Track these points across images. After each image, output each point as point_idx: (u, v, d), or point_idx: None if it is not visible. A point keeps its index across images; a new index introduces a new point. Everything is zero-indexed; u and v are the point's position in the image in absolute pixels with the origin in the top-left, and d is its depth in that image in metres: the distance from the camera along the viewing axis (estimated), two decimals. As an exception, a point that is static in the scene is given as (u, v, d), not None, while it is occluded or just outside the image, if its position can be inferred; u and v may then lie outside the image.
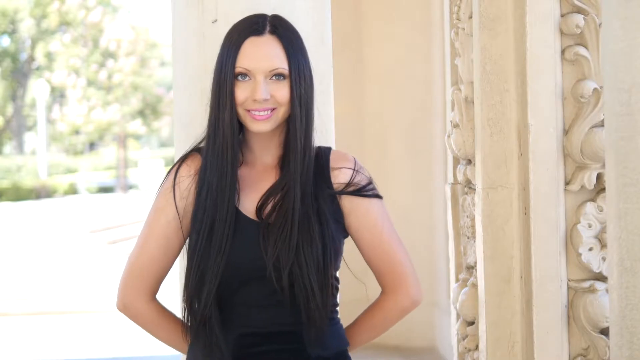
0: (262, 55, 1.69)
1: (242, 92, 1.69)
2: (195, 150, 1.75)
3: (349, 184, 1.72)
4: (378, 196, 1.73)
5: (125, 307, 1.72)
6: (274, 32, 1.70)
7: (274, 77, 1.69)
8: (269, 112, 1.68)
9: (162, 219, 1.70)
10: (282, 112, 1.70)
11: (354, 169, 1.73)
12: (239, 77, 1.69)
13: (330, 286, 1.65)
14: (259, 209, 1.67)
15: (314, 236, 1.64)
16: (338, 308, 1.79)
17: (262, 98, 1.66)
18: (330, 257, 1.64)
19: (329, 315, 1.67)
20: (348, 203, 1.71)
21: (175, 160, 1.87)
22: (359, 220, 1.72)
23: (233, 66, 1.69)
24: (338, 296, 1.78)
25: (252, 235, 1.65)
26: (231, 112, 1.68)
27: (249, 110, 1.68)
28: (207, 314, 1.63)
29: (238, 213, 1.66)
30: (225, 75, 1.69)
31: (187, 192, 1.70)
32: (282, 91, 1.69)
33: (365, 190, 1.72)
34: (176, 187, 1.70)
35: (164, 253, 1.70)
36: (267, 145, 1.75)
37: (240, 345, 1.65)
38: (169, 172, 1.73)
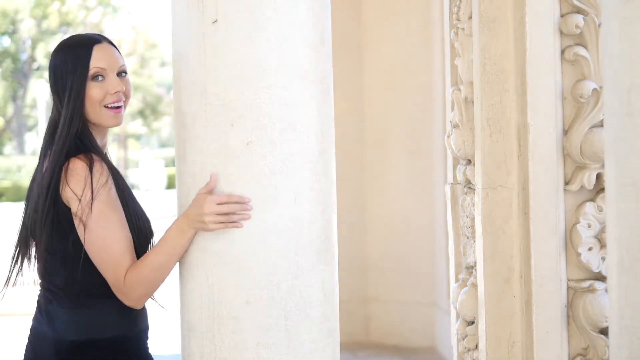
0: (112, 55, 1.99)
1: (99, 90, 1.95)
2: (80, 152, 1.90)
3: None
4: None
5: (139, 297, 1.88)
6: (107, 41, 2.03)
7: (122, 74, 2.00)
8: (122, 106, 1.99)
9: (118, 207, 1.89)
10: (127, 105, 2.03)
11: None
12: (98, 78, 1.96)
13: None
14: None
15: None
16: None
17: (119, 88, 1.96)
18: None
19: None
20: None
21: (176, 160, 1.90)
22: None
23: (87, 69, 1.95)
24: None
25: None
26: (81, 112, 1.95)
27: (106, 107, 1.96)
28: None
29: None
30: (80, 78, 1.94)
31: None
32: (128, 85, 2.02)
33: None
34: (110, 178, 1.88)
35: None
36: (104, 139, 2.05)
37: None
38: (94, 172, 1.87)
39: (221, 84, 1.82)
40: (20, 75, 28.94)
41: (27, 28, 27.61)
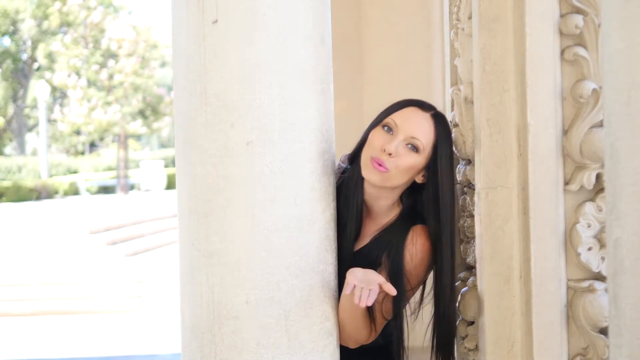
0: (414, 122, 1.97)
1: (380, 138, 1.97)
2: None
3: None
4: None
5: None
6: (435, 117, 2.03)
7: (409, 145, 1.96)
8: (385, 169, 1.93)
9: None
10: (392, 176, 1.96)
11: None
12: (385, 128, 1.98)
13: None
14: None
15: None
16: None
17: (390, 150, 1.93)
18: None
19: None
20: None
21: (176, 161, 1.90)
22: None
23: (387, 115, 2.01)
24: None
25: None
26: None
27: (372, 158, 1.95)
28: None
29: None
30: (377, 120, 2.02)
31: None
32: (405, 158, 1.95)
33: None
34: None
35: None
36: (374, 200, 2.05)
37: None
38: None
39: (221, 84, 1.82)
40: (20, 75, 28.95)
41: (27, 28, 27.63)
